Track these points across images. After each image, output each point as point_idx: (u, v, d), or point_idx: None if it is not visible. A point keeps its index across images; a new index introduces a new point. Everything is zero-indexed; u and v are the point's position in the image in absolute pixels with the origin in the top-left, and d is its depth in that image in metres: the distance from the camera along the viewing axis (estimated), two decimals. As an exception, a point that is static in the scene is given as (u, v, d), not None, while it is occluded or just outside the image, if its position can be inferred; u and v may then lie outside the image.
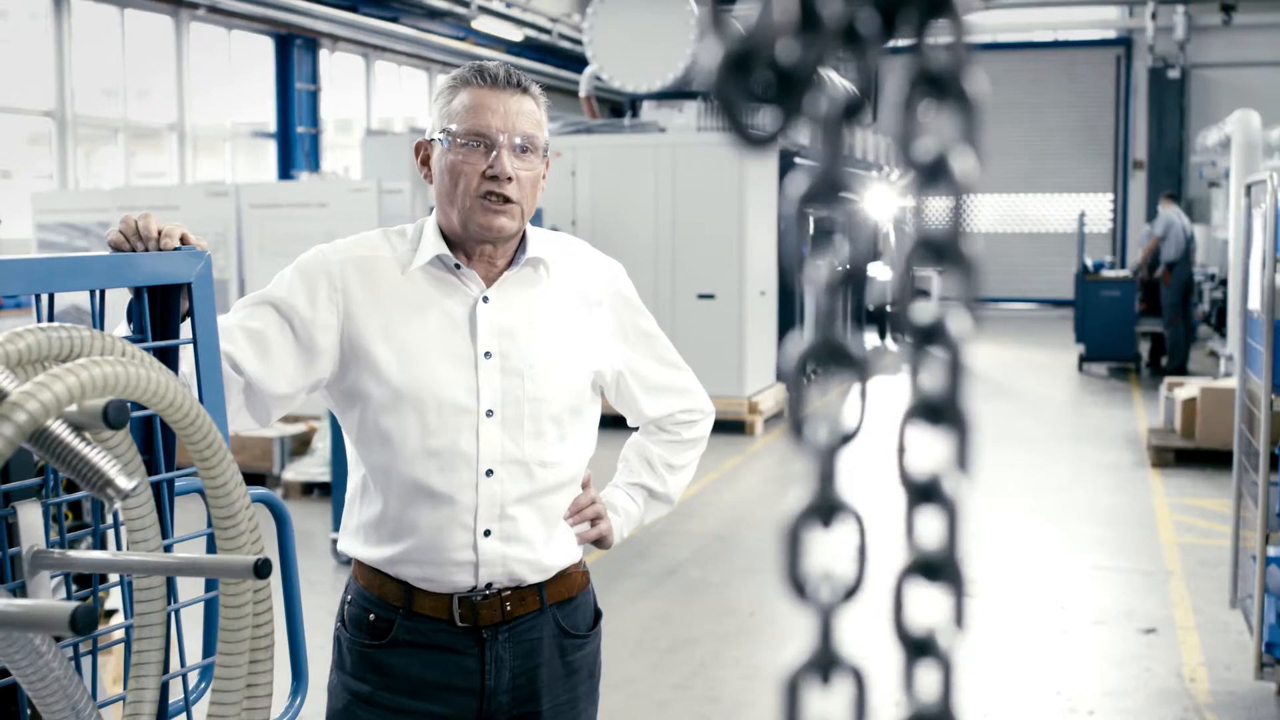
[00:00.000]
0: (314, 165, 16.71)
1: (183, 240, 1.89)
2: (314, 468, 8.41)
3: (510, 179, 2.11)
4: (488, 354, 2.16)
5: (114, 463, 1.32)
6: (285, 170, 16.54)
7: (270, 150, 16.81)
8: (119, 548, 1.80)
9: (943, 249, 0.49)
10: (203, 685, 2.00)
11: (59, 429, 1.31)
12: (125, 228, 1.86)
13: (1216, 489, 8.82)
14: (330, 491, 7.33)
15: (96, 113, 13.98)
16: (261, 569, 1.46)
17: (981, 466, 9.83)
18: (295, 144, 16.71)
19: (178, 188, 12.84)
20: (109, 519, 1.87)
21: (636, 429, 2.49)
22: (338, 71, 17.95)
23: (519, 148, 2.13)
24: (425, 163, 2.23)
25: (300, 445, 8.91)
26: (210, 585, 1.98)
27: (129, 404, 1.34)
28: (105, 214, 10.37)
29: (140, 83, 14.74)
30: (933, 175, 0.48)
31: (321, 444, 8.36)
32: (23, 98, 13.03)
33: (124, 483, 1.33)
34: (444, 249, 2.17)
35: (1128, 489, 8.97)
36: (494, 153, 2.11)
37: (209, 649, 2.02)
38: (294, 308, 2.13)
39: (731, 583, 6.71)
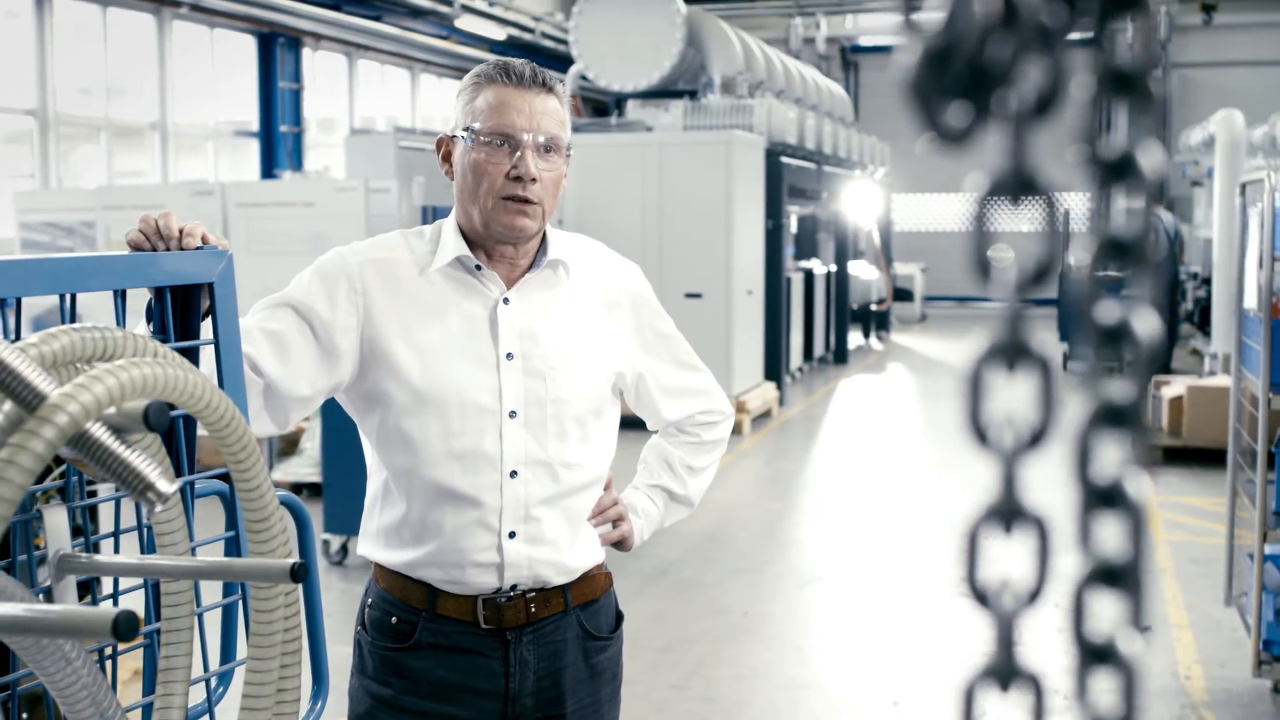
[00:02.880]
0: (297, 165, 16.65)
1: (203, 239, 1.87)
2: (302, 468, 8.36)
3: (534, 180, 2.09)
4: (509, 355, 2.14)
5: (155, 466, 1.30)
6: (268, 169, 16.47)
7: (253, 149, 16.75)
8: (144, 551, 1.77)
9: (1127, 249, 0.48)
10: (221, 690, 1.98)
11: (98, 432, 1.29)
12: (145, 227, 1.83)
13: (1205, 487, 8.85)
14: (320, 492, 7.28)
15: (78, 111, 13.90)
16: (298, 573, 1.44)
17: (970, 466, 9.85)
18: (278, 143, 16.64)
19: (162, 187, 12.76)
20: (110, 523, 1.83)
21: (655, 432, 2.48)
22: (320, 70, 17.89)
23: (543, 147, 2.11)
24: (446, 159, 2.20)
25: (288, 445, 8.86)
26: (229, 589, 1.96)
27: (169, 406, 1.32)
28: (89, 213, 10.31)
29: (122, 81, 14.66)
30: (1117, 173, 0.47)
31: (310, 444, 8.31)
32: (3, 96, 12.93)
33: (165, 486, 1.30)
34: (465, 250, 2.15)
35: (1116, 487, 9.00)
36: (518, 153, 2.09)
37: (227, 654, 2.00)
38: (313, 309, 2.11)
39: (724, 582, 6.70)
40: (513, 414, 2.13)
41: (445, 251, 2.15)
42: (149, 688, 1.89)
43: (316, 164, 17.45)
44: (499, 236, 2.13)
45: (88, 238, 10.25)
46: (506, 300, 2.16)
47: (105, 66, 14.26)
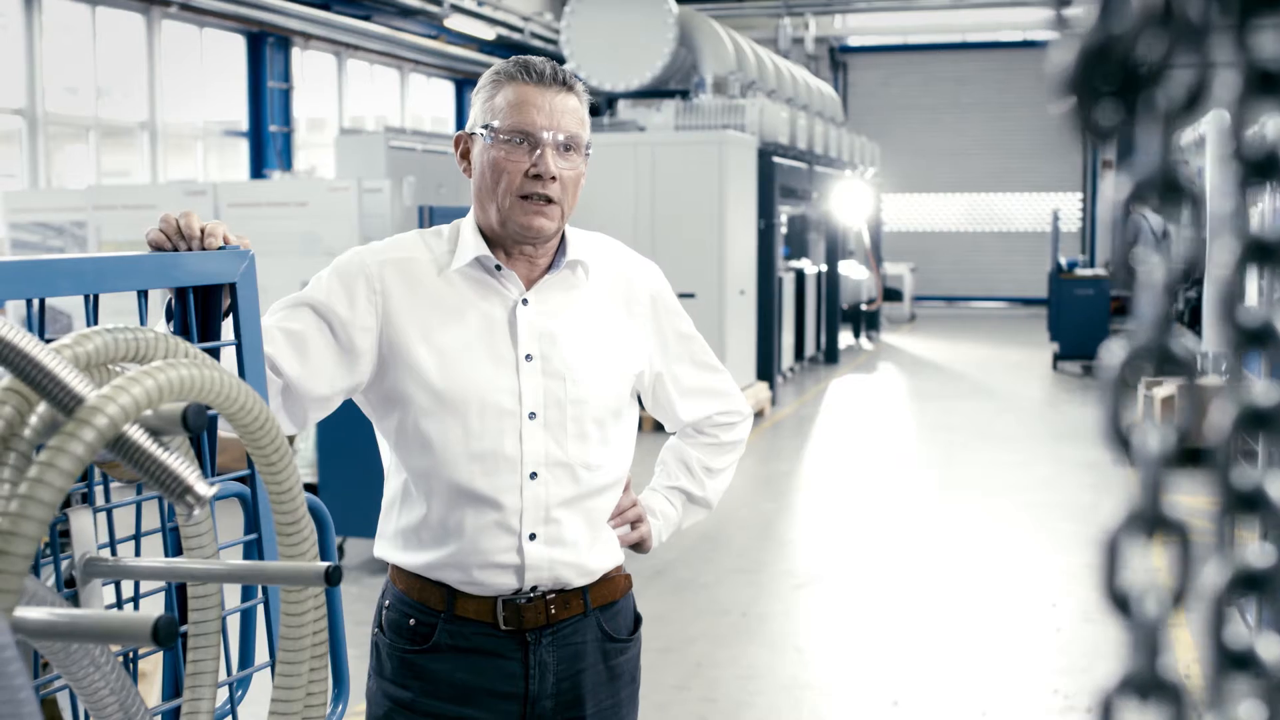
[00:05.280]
0: (286, 164, 16.60)
1: (224, 239, 1.85)
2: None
3: (554, 178, 2.08)
4: (528, 357, 2.13)
5: (193, 469, 1.28)
6: (257, 169, 16.42)
7: (242, 149, 16.69)
8: (166, 553, 1.76)
9: (1273, 249, 0.47)
10: (240, 694, 1.96)
11: (136, 434, 1.27)
12: (167, 226, 1.82)
13: (1199, 486, 8.86)
14: (315, 493, 7.26)
15: (67, 111, 13.84)
16: (333, 576, 1.43)
17: (963, 465, 9.86)
18: (268, 143, 16.59)
19: (153, 187, 12.71)
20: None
21: (673, 433, 2.46)
22: (310, 70, 17.84)
23: (562, 146, 2.10)
24: (465, 156, 2.19)
25: (281, 446, 8.82)
26: (249, 593, 1.94)
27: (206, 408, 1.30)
28: (80, 213, 10.26)
29: (111, 81, 14.61)
30: (1264, 171, 0.46)
31: (304, 444, 8.27)
32: (-8, 96, 12.87)
33: (203, 489, 1.29)
34: (484, 250, 2.14)
35: (1109, 487, 9.01)
36: (538, 151, 2.08)
37: (246, 659, 1.98)
38: (332, 309, 2.10)
39: (723, 582, 6.70)
40: (532, 415, 2.12)
41: (465, 251, 2.14)
42: (169, 691, 1.88)
43: (306, 164, 17.41)
44: (517, 236, 2.12)
45: (78, 238, 10.20)
46: (525, 301, 2.15)
47: (94, 66, 14.20)
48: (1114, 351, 0.50)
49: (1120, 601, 0.52)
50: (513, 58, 2.16)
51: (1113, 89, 0.43)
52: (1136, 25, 0.42)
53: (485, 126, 2.12)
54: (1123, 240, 0.47)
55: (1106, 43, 0.42)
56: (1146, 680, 0.51)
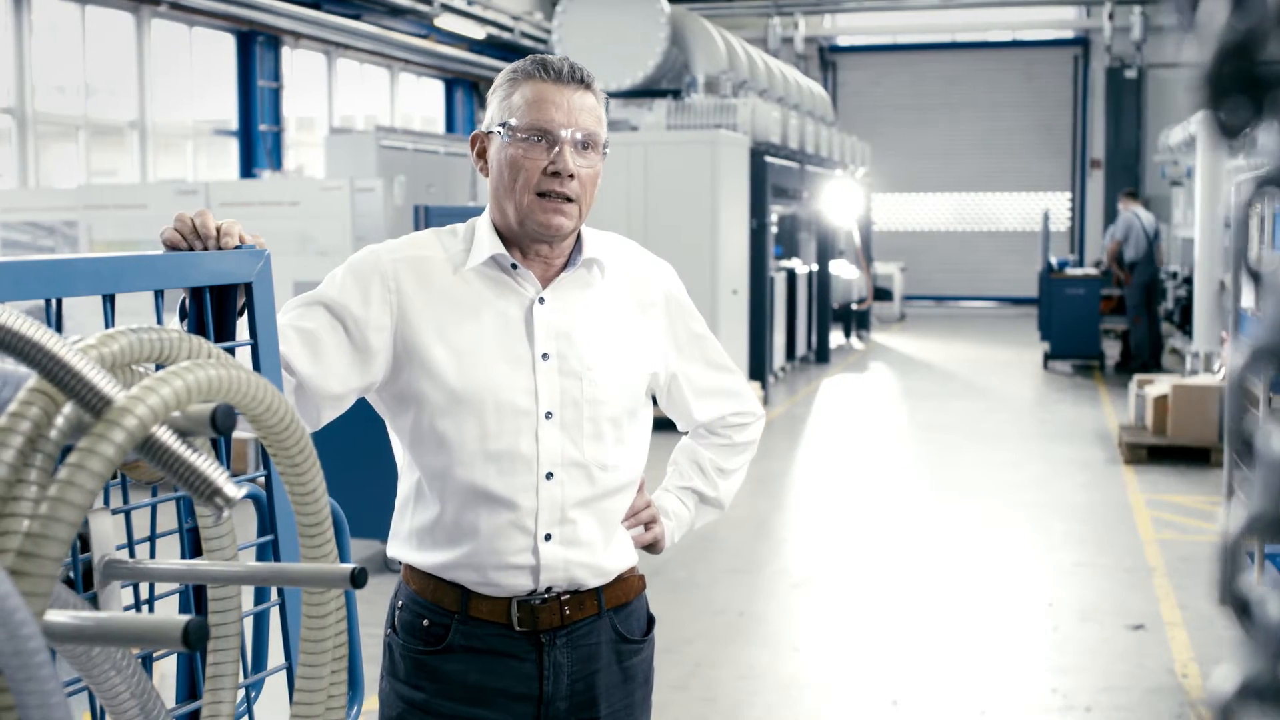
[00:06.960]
0: (276, 164, 16.56)
1: (239, 239, 1.84)
2: (290, 469, 8.30)
3: (572, 176, 2.07)
4: (545, 355, 2.11)
5: (222, 470, 1.27)
6: (247, 169, 16.38)
7: (232, 148, 16.64)
8: (183, 555, 1.74)
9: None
10: (255, 695, 1.95)
11: (164, 435, 1.26)
12: (182, 226, 1.80)
13: (1192, 485, 8.89)
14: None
15: (56, 110, 13.78)
16: (358, 578, 1.41)
17: (955, 465, 9.87)
18: (257, 142, 16.55)
19: (144, 186, 12.65)
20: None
21: (685, 433, 2.46)
22: (300, 69, 17.80)
23: (580, 144, 2.09)
24: (481, 155, 2.18)
25: (274, 447, 8.80)
26: (262, 596, 1.93)
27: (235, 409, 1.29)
28: (71, 213, 10.21)
29: (101, 80, 14.56)
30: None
31: (298, 445, 8.25)
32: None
33: (232, 491, 1.27)
34: (500, 248, 2.12)
35: (1102, 486, 9.03)
36: (556, 149, 2.07)
37: (259, 662, 1.97)
38: (347, 307, 2.08)
39: (719, 582, 6.69)
40: (549, 415, 2.11)
41: (480, 250, 2.13)
42: (183, 693, 1.87)
43: (293, 164, 17.37)
44: (534, 235, 2.11)
45: (69, 237, 10.16)
46: (542, 300, 2.14)
47: (84, 65, 14.15)
48: (1238, 352, 0.49)
49: (1241, 605, 0.51)
50: (530, 56, 2.15)
51: (1243, 88, 0.42)
52: (1268, 24, 0.41)
53: (503, 125, 2.10)
54: (1240, 241, 0.46)
55: (1240, 41, 0.41)
56: (1267, 685, 0.50)
